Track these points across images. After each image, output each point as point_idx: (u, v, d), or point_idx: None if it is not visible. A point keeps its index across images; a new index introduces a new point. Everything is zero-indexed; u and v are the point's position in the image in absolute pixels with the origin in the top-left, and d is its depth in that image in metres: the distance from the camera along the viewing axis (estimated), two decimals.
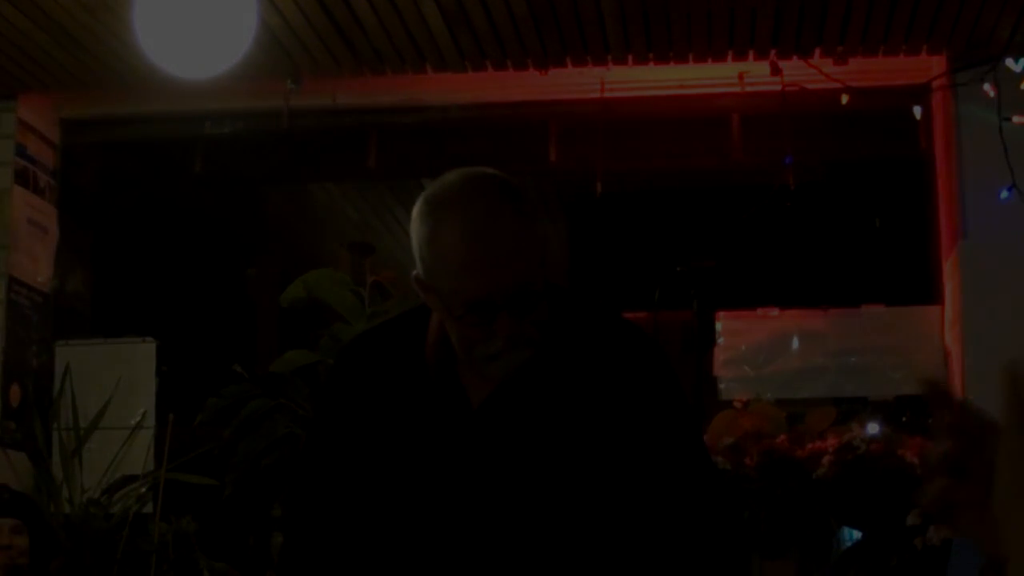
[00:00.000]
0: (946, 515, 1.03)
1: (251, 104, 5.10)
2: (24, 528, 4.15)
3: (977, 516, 1.00)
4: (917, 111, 4.81)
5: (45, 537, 4.30)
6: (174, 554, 4.42)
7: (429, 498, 2.01)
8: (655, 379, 2.03)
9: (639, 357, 2.03)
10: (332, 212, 6.74)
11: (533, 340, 1.92)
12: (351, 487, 2.06)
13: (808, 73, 4.70)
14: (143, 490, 4.59)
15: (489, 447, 1.99)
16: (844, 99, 4.70)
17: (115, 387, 4.75)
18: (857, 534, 4.36)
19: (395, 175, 5.79)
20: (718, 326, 4.92)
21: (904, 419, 4.65)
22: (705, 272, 4.70)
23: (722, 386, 4.83)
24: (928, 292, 4.86)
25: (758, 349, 4.86)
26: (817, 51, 4.63)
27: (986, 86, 4.55)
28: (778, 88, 4.73)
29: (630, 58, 4.69)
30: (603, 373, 2.00)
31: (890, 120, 4.93)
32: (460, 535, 1.99)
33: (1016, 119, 4.51)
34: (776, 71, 4.67)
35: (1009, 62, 4.55)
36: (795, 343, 4.87)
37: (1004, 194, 4.50)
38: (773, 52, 4.63)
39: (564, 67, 4.76)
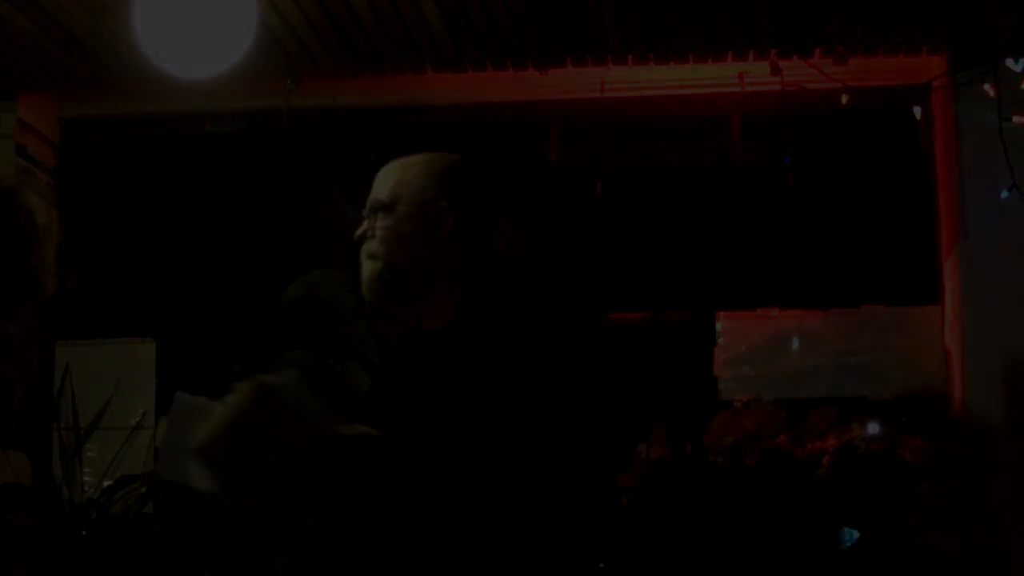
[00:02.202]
0: (945, 518, 1.03)
1: (251, 104, 5.10)
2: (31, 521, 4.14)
3: (974, 518, 1.00)
4: (917, 111, 4.81)
5: (48, 537, 4.30)
6: (174, 554, 4.41)
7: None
8: (526, 371, 2.15)
9: (522, 349, 2.17)
10: (332, 212, 6.73)
11: (373, 254, 2.32)
12: None
13: (808, 73, 4.70)
14: (143, 490, 4.58)
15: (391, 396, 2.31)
16: (844, 99, 4.70)
17: (115, 387, 4.75)
18: (857, 534, 4.36)
19: None
20: (718, 326, 4.91)
21: (904, 419, 4.65)
22: (705, 272, 4.70)
23: (722, 386, 4.82)
24: (928, 292, 4.86)
25: (758, 349, 4.86)
26: (817, 51, 4.64)
27: (986, 86, 4.55)
28: (778, 88, 4.73)
29: (630, 58, 4.69)
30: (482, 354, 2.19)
31: (890, 120, 4.93)
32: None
33: (1016, 119, 4.52)
34: (776, 71, 4.67)
35: (1009, 62, 4.55)
36: (795, 343, 4.87)
37: (1004, 194, 4.50)
38: (773, 52, 4.63)
39: (564, 67, 4.77)
